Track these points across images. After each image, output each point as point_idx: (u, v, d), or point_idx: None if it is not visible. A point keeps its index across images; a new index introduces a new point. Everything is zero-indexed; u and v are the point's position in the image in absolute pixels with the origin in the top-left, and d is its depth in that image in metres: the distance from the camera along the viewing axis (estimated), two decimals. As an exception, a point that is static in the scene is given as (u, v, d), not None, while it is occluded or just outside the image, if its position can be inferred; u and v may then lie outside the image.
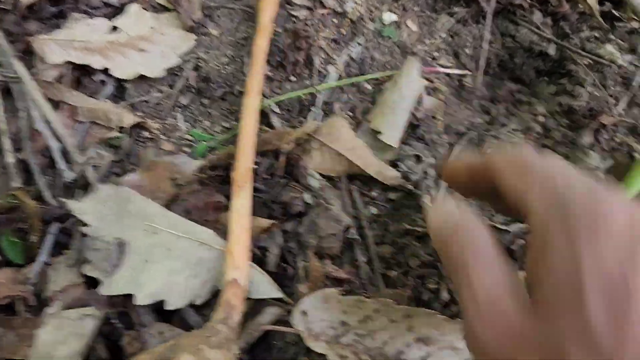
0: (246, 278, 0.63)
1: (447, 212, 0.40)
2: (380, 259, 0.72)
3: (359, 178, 0.78)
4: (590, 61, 0.86)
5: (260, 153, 0.75)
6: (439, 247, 0.41)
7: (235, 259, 0.63)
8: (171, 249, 0.66)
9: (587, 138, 0.80)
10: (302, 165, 0.75)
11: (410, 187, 0.75)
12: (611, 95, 0.84)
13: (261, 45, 0.78)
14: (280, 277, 0.71)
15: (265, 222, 0.70)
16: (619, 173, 0.75)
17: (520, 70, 0.92)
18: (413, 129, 0.83)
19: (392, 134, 0.76)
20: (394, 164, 0.77)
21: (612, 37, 0.89)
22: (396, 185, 0.76)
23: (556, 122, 0.83)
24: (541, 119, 0.84)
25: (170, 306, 0.63)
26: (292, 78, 0.83)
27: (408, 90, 0.77)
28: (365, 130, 0.78)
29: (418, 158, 0.77)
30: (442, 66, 0.86)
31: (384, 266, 0.72)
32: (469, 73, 0.87)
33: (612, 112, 0.81)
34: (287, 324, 0.67)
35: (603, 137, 0.80)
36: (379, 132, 0.75)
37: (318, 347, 0.61)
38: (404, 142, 0.82)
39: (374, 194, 0.78)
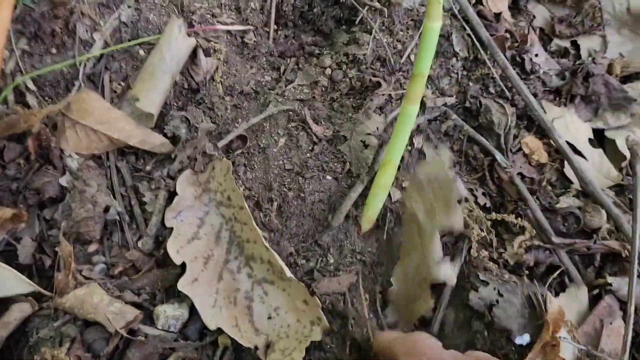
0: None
1: None
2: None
3: (134, 152, 0.73)
4: (380, 5, 0.82)
5: (8, 137, 0.69)
6: None
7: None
8: None
9: (372, 101, 0.76)
10: (55, 147, 0.69)
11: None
12: (399, 41, 0.80)
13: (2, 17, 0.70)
14: (39, 269, 0.67)
15: (7, 212, 0.65)
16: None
17: (320, 21, 0.87)
18: (193, 93, 0.78)
19: (150, 100, 0.70)
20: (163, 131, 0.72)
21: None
22: (166, 153, 0.72)
23: (343, 73, 0.79)
24: (328, 71, 0.80)
25: None
26: (53, 50, 0.76)
27: (169, 52, 0.72)
28: (129, 99, 0.72)
29: (188, 122, 0.72)
30: (223, 23, 0.80)
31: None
32: (252, 29, 0.81)
33: (395, 65, 0.78)
34: (46, 317, 0.63)
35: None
36: (137, 100, 0.70)
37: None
38: (181, 107, 0.77)
39: (148, 167, 0.73)
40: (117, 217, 0.68)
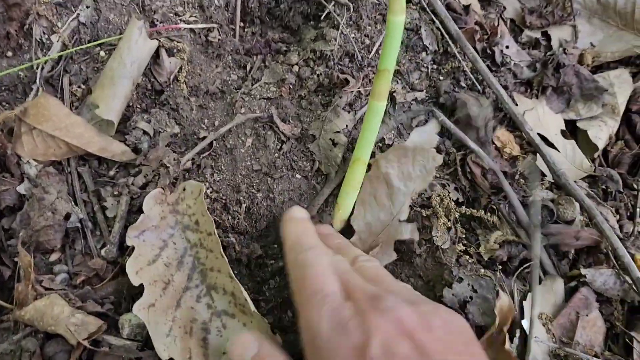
0: None
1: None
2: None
3: (97, 157, 0.71)
4: (347, 0, 0.80)
5: (-39, 145, 0.66)
6: None
7: None
8: None
9: (340, 99, 0.75)
10: (12, 153, 0.66)
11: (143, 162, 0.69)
12: (367, 36, 0.79)
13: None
14: (-1, 281, 0.64)
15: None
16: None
17: (287, 17, 0.86)
18: (157, 94, 0.76)
19: (110, 107, 0.68)
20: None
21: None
22: (129, 161, 0.70)
23: (311, 70, 0.78)
24: (296, 68, 0.78)
25: None
26: (9, 53, 0.73)
27: (130, 56, 0.70)
28: (89, 105, 0.70)
29: (151, 128, 0.70)
30: (186, 22, 0.78)
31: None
32: (217, 26, 0.79)
33: (363, 61, 0.77)
34: (6, 330, 0.61)
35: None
36: (97, 107, 0.67)
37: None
38: (145, 109, 0.75)
39: (112, 172, 0.71)
40: (79, 225, 0.66)
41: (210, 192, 0.70)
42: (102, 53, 0.75)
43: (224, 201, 0.70)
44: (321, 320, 0.46)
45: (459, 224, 0.72)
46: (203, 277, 0.61)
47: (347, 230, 0.73)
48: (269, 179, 0.71)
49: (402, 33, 0.61)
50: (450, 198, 0.72)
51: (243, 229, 0.68)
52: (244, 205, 0.70)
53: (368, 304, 0.46)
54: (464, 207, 0.73)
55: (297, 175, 0.72)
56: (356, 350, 0.42)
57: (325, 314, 0.46)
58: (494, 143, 0.78)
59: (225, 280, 0.60)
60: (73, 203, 0.68)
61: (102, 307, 0.62)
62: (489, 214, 0.72)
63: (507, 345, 0.61)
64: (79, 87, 0.74)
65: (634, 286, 0.69)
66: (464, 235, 0.72)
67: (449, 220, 0.72)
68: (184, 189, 0.64)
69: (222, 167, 0.71)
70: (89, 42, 0.75)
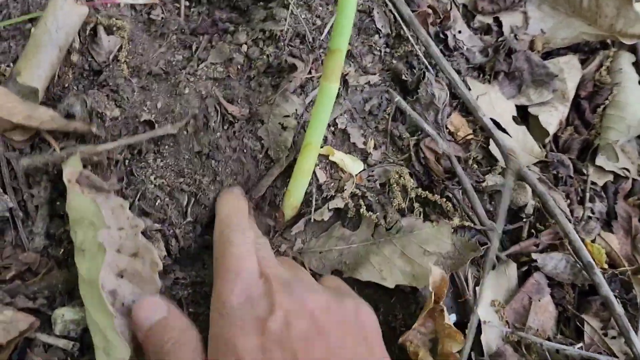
0: None
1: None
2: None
3: (29, 143, 0.66)
4: (298, -21, 0.77)
5: None
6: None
7: None
8: None
9: (290, 83, 0.72)
10: None
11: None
12: (318, 17, 0.76)
13: None
14: None
15: None
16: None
17: (236, -4, 0.82)
18: (96, 75, 0.71)
19: (34, 75, 0.63)
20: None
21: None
22: (58, 128, 0.64)
23: (260, 50, 0.74)
24: (244, 48, 0.74)
25: None
26: None
27: (55, 23, 0.65)
28: (14, 82, 0.65)
29: (77, 97, 0.65)
30: (126, -2, 0.73)
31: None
32: (159, 4, 0.75)
33: (314, 42, 0.74)
34: None
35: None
36: (19, 74, 0.62)
37: None
38: (83, 90, 0.70)
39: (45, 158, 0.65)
40: (9, 215, 0.61)
41: (154, 178, 0.66)
42: (33, 29, 0.69)
43: (169, 188, 0.66)
44: (232, 293, 0.48)
45: (417, 204, 0.71)
46: None
47: (299, 218, 0.70)
48: (214, 162, 0.67)
49: (355, 13, 0.59)
50: (407, 178, 0.71)
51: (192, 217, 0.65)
52: (188, 191, 0.66)
53: (280, 286, 0.49)
54: (420, 189, 0.72)
55: (245, 159, 0.69)
56: (258, 320, 0.45)
57: (237, 288, 0.48)
58: (447, 128, 0.77)
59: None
60: (1, 191, 0.62)
61: (34, 302, 0.57)
62: (443, 199, 0.71)
63: (447, 319, 0.60)
64: (8, 66, 0.68)
65: (584, 270, 0.69)
66: (421, 216, 0.71)
67: (405, 200, 0.70)
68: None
69: (165, 152, 0.67)
70: (18, 17, 0.69)
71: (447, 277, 0.63)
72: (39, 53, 0.63)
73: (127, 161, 0.66)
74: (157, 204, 0.65)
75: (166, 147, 0.67)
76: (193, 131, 0.68)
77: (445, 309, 0.62)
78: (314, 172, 0.70)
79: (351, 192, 0.70)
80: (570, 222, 0.73)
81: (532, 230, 0.74)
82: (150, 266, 0.55)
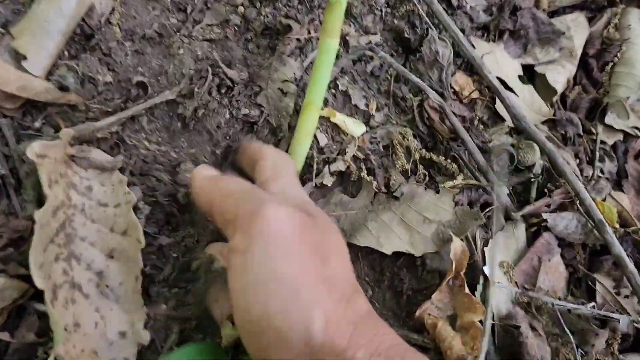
0: None
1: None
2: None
3: (21, 108, 0.64)
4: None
5: None
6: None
7: None
8: None
9: (287, 46, 0.69)
10: None
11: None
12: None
13: None
14: None
15: None
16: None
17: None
18: (87, 39, 0.69)
19: (38, 61, 0.61)
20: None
21: None
22: (51, 101, 0.62)
23: (257, 11, 0.72)
24: (241, 9, 0.72)
25: None
26: None
27: (68, 3, 0.62)
28: (7, 47, 0.62)
29: (70, 68, 0.63)
30: (116, -41, 0.70)
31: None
32: (151, -36, 0.72)
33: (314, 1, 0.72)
34: None
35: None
36: (24, 58, 0.60)
37: None
38: (74, 56, 0.67)
39: (37, 124, 0.63)
40: (1, 181, 0.59)
41: (149, 144, 0.64)
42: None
43: (162, 155, 0.64)
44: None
45: (421, 166, 0.69)
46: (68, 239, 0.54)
47: (301, 182, 0.68)
48: (210, 127, 0.65)
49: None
50: (410, 139, 0.69)
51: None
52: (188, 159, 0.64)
53: None
54: (424, 151, 0.70)
55: (247, 125, 0.67)
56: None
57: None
58: (452, 87, 0.75)
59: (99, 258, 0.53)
60: (-7, 157, 0.60)
61: (27, 269, 0.55)
62: (448, 160, 0.69)
63: (466, 289, 0.58)
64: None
65: (596, 229, 0.67)
66: (426, 179, 0.69)
67: (409, 162, 0.68)
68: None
69: (159, 120, 0.65)
70: (6, -20, 0.67)
71: (466, 249, 0.62)
72: (46, 35, 0.61)
73: (120, 129, 0.64)
74: (148, 170, 0.63)
75: (160, 111, 0.65)
76: (189, 95, 0.65)
77: (465, 280, 0.60)
78: (315, 135, 0.68)
79: (353, 155, 0.68)
80: (580, 181, 0.71)
81: (544, 190, 0.72)
82: (135, 244, 0.53)
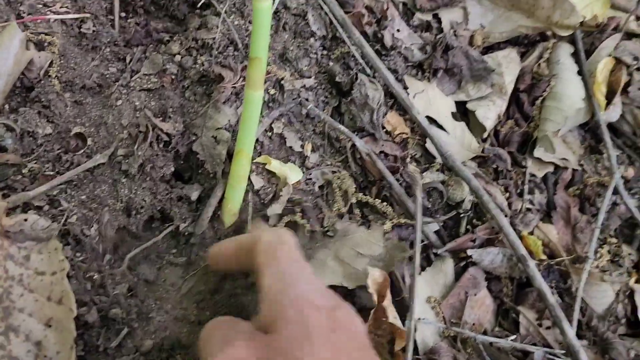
0: None
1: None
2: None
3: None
4: (229, -15, 0.78)
5: None
6: None
7: None
8: None
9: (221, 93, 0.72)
10: None
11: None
12: (250, 22, 0.77)
13: None
14: None
15: None
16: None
17: (172, 5, 0.82)
18: (28, 92, 0.71)
19: None
20: None
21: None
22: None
23: (194, 60, 0.75)
24: (178, 58, 0.75)
25: None
26: None
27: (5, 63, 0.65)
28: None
29: (8, 127, 0.65)
30: (56, 13, 0.73)
31: None
32: (90, 17, 0.75)
33: (247, 49, 0.75)
34: None
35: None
36: None
37: None
38: (14, 109, 0.70)
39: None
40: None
41: (84, 204, 0.66)
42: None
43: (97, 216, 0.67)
44: None
45: (357, 209, 0.72)
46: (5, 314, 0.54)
47: (240, 225, 0.71)
48: (149, 180, 0.68)
49: (271, 19, 0.59)
50: (348, 183, 0.72)
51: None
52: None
53: None
54: (360, 194, 0.73)
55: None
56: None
57: None
58: (384, 127, 0.78)
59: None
60: None
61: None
62: (379, 200, 0.72)
63: (391, 317, 0.61)
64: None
65: (519, 263, 0.70)
66: (360, 220, 0.72)
67: (346, 205, 0.71)
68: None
69: (96, 175, 0.68)
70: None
71: (387, 276, 0.64)
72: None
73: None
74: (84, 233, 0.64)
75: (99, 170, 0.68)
76: (125, 153, 0.68)
77: (388, 308, 0.63)
78: (250, 179, 0.71)
79: (288, 198, 0.71)
80: (506, 216, 0.75)
81: (468, 227, 0.75)
82: (68, 313, 0.54)
